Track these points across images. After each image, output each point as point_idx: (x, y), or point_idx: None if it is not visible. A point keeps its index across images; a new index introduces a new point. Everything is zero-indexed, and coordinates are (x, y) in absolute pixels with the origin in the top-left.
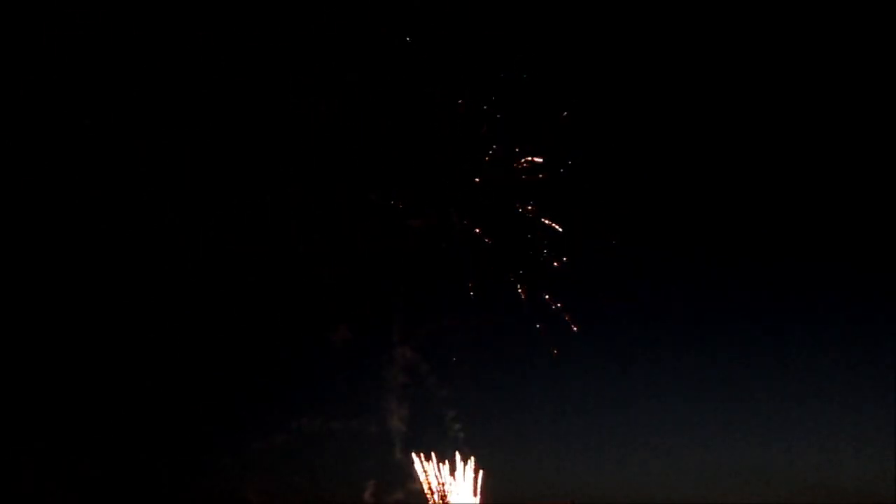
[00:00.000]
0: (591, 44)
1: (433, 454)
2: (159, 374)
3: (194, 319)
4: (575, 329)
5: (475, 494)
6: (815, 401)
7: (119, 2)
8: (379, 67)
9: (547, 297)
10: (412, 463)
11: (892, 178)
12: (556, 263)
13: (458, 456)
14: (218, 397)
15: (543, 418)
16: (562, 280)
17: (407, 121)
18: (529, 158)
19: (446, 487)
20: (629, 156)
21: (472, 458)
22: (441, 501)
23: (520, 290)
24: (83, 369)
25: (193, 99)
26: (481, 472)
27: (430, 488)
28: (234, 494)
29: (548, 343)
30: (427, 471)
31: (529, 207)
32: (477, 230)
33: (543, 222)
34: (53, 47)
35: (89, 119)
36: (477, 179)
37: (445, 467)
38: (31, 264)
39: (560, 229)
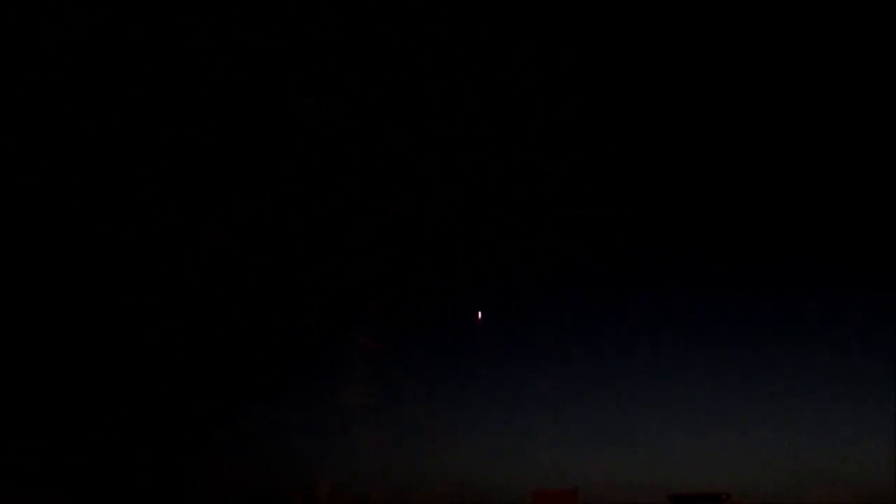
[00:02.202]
0: (590, 42)
1: None
2: (117, 366)
3: (161, 312)
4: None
5: None
6: (822, 391)
7: (119, 2)
8: (379, 67)
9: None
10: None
11: (891, 177)
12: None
13: None
14: (181, 391)
15: (547, 405)
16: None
17: (407, 120)
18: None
19: None
20: (629, 155)
21: None
22: None
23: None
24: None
25: (192, 99)
26: None
27: None
28: (184, 491)
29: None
30: None
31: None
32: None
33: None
34: (53, 47)
35: (86, 119)
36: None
37: None
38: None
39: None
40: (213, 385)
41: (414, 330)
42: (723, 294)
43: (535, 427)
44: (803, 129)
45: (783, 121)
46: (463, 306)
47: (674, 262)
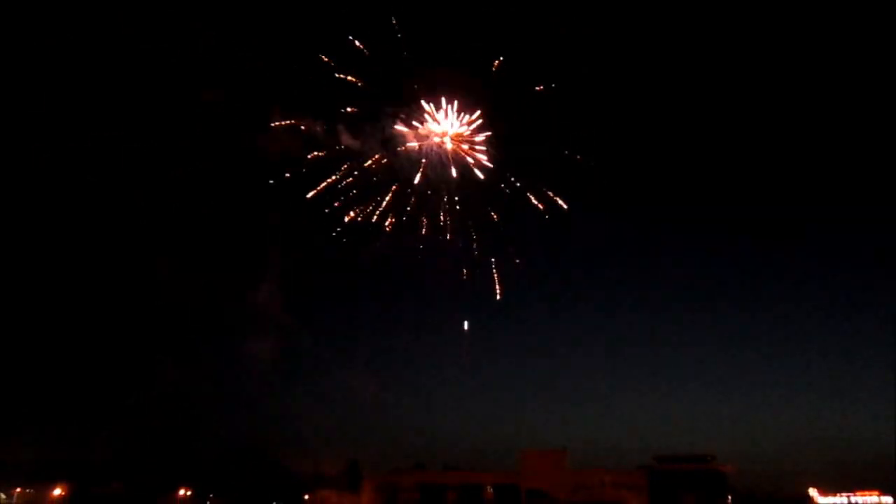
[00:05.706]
0: (594, 26)
1: None
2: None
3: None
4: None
5: None
6: (814, 352)
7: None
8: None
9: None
10: None
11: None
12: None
13: None
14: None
15: (536, 368)
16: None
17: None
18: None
19: None
20: (640, 130)
21: None
22: None
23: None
24: None
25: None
26: None
27: None
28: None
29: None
30: None
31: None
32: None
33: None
34: (53, 49)
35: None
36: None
37: None
38: None
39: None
40: (125, 352)
41: (398, 289)
42: (712, 256)
43: (525, 389)
44: (811, 118)
45: (794, 112)
46: (440, 268)
47: (662, 227)
